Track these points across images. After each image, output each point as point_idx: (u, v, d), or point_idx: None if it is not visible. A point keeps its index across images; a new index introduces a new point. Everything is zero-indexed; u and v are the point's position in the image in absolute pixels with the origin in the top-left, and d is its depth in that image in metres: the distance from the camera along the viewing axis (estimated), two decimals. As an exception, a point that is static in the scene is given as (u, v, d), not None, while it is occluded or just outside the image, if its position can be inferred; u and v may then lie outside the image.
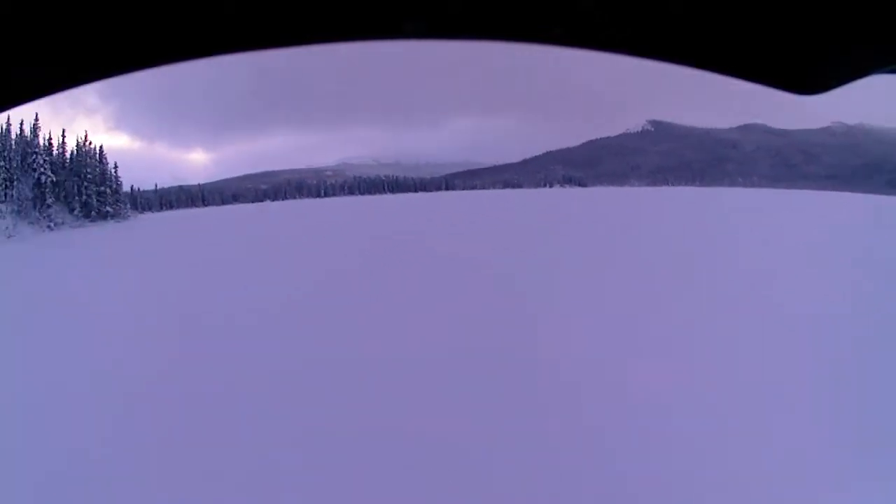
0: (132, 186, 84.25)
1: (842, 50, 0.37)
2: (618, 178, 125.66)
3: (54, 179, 39.89)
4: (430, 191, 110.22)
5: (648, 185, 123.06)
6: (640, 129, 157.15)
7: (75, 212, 41.83)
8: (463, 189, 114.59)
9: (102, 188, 45.81)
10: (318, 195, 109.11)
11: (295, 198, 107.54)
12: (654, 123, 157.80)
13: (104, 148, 47.60)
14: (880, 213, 38.58)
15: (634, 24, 0.36)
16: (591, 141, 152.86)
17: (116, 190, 48.68)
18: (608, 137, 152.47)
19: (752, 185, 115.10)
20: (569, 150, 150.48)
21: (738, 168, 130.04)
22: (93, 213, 43.47)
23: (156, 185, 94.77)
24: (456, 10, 0.35)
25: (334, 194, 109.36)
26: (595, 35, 0.37)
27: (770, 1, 0.35)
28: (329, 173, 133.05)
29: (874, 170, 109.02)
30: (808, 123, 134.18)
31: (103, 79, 0.37)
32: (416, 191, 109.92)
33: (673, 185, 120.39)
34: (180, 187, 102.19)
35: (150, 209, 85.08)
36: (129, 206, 57.77)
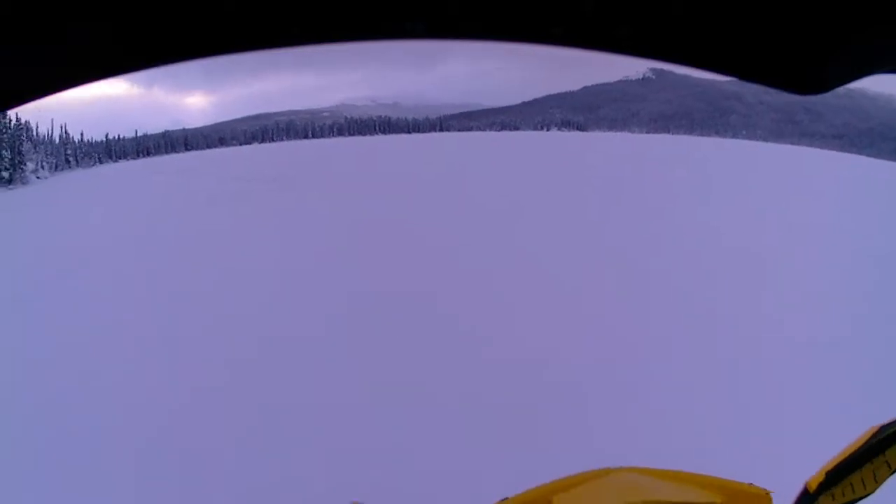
0: (107, 135, 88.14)
1: (842, 50, 0.37)
2: (617, 123, 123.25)
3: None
4: (424, 132, 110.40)
5: (648, 132, 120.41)
6: (640, 76, 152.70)
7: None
8: (458, 130, 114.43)
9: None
10: (307, 136, 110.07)
11: (283, 139, 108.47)
12: (656, 71, 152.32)
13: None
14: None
15: (634, 24, 0.36)
16: (591, 86, 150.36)
17: (18, 152, 47.03)
18: (608, 83, 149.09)
19: (756, 138, 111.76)
20: (568, 94, 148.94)
21: (741, 120, 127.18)
22: (-20, 182, 42.45)
23: (136, 132, 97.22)
24: (455, 10, 0.35)
25: (324, 135, 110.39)
26: (595, 35, 0.37)
27: (770, 1, 0.35)
28: (326, 114, 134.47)
29: (880, 136, 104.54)
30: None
31: (102, 79, 0.37)
32: (409, 132, 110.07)
33: (673, 133, 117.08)
34: (165, 133, 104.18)
35: (124, 158, 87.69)
36: (42, 166, 55.96)
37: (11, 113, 48.01)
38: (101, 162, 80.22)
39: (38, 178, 51.83)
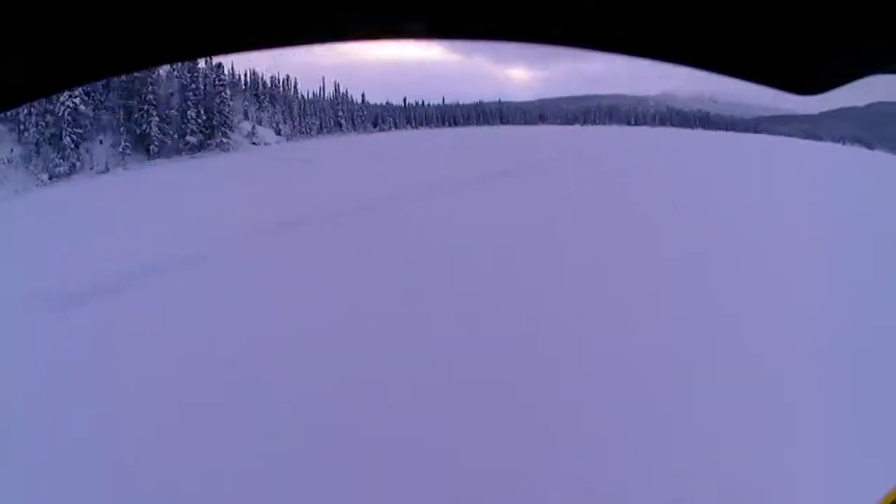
0: (405, 99, 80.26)
1: (841, 50, 0.37)
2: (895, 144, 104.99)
3: (76, 109, 29.64)
4: (739, 131, 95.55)
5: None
6: None
7: (121, 147, 31.62)
8: (769, 133, 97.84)
9: (177, 111, 34.60)
10: (629, 122, 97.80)
11: (605, 123, 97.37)
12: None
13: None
14: None
15: (634, 24, 0.36)
16: (874, 103, 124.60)
17: (219, 111, 36.83)
18: (886, 102, 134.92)
19: None
20: (857, 108, 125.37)
21: None
22: (152, 146, 32.82)
23: (443, 100, 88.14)
24: (455, 10, 0.35)
25: (646, 123, 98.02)
26: (595, 35, 0.37)
27: (770, 1, 0.35)
28: (651, 103, 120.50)
29: None
30: None
31: (102, 79, 0.36)
32: (726, 129, 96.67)
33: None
34: (478, 103, 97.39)
35: (426, 125, 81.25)
36: (277, 129, 46.52)
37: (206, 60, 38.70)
38: (396, 127, 74.30)
39: (253, 143, 41.30)
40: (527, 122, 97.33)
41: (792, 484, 4.83)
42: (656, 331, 7.34)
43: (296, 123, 50.03)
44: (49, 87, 0.36)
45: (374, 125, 69.28)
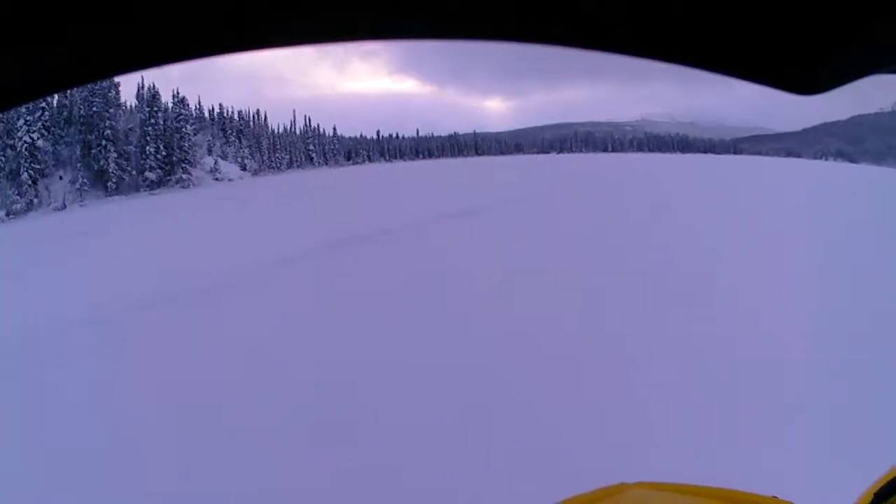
0: (378, 132, 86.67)
1: (842, 50, 0.37)
2: (879, 156, 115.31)
3: (34, 144, 30.00)
4: (719, 153, 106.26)
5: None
6: (890, 108, 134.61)
7: (78, 183, 31.90)
8: (749, 153, 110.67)
9: (136, 147, 34.94)
10: (606, 149, 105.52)
11: (582, 150, 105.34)
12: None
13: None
14: None
15: (634, 24, 0.36)
16: (856, 116, 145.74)
17: (180, 147, 37.08)
18: (867, 115, 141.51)
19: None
20: (838, 123, 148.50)
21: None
22: (110, 183, 33.08)
23: (417, 132, 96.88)
24: (455, 9, 0.35)
25: (623, 150, 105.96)
26: (595, 35, 0.37)
27: (770, 1, 0.35)
28: (628, 128, 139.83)
29: None
30: None
31: (102, 79, 0.37)
32: (705, 152, 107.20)
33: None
34: (452, 135, 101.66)
35: (400, 158, 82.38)
36: (243, 164, 46.89)
37: (165, 91, 39.36)
38: (369, 160, 75.05)
39: (217, 179, 41.62)
40: (503, 152, 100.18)
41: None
42: (647, 360, 7.19)
43: (264, 158, 50.38)
44: (49, 86, 0.36)
45: (348, 158, 70.01)
